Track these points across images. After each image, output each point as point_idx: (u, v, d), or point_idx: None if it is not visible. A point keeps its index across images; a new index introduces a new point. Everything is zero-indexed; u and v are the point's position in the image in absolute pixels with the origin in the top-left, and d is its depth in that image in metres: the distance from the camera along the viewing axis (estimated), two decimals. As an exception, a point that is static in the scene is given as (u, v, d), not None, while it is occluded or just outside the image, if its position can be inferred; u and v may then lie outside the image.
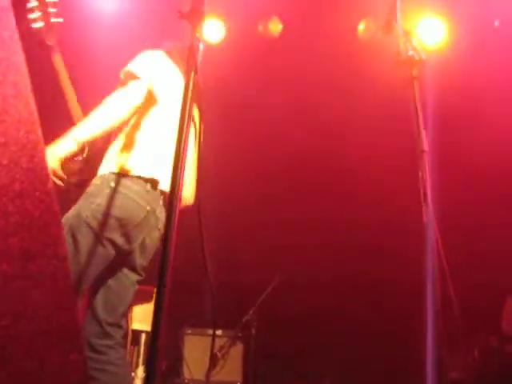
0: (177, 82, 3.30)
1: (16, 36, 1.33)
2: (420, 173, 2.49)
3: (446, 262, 2.42)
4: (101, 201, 3.04)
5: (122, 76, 3.34)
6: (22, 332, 1.42)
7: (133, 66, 3.30)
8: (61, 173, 2.94)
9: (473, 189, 4.89)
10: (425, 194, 2.41)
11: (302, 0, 5.35)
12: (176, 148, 2.11)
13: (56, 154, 2.96)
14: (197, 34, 2.39)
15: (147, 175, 3.16)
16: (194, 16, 2.42)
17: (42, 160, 1.39)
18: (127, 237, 3.11)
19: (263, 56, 5.64)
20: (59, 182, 2.94)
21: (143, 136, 3.24)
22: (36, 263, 1.44)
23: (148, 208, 3.13)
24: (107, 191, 3.06)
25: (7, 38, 1.31)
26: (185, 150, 2.12)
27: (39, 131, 1.40)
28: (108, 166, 3.18)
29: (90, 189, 3.11)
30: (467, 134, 3.85)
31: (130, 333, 4.21)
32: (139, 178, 3.14)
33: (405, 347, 4.73)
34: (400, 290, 5.09)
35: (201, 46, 2.40)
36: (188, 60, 2.31)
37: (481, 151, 4.61)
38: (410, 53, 2.71)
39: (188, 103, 2.23)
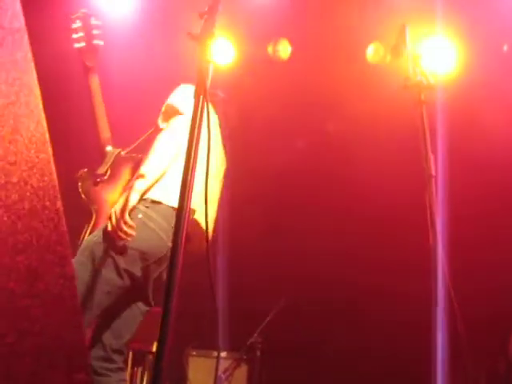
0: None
1: (29, 56, 1.35)
2: (427, 197, 2.49)
3: (452, 290, 2.42)
4: None
5: (163, 109, 3.38)
6: (27, 350, 1.42)
7: (176, 101, 3.37)
8: (131, 230, 2.98)
9: (483, 214, 4.88)
10: (432, 218, 2.40)
11: (312, 23, 5.39)
12: (184, 171, 2.12)
13: (124, 209, 2.98)
14: (207, 56, 2.40)
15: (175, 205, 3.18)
16: (205, 38, 2.44)
17: (52, 179, 1.40)
18: (146, 271, 3.11)
19: (272, 78, 5.67)
20: (125, 237, 2.96)
21: (175, 167, 3.22)
22: (43, 282, 1.44)
23: (169, 245, 3.14)
24: (134, 223, 3.04)
25: (21, 58, 1.32)
26: (193, 173, 2.13)
27: (50, 151, 1.41)
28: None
29: None
30: (477, 157, 3.86)
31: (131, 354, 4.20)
32: (168, 208, 3.13)
33: (414, 372, 4.69)
34: (409, 318, 5.06)
35: (211, 68, 2.41)
36: (197, 82, 2.33)
37: (492, 176, 4.61)
38: (419, 77, 2.72)
39: (196, 126, 2.24)
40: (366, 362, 5.42)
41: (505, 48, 5.06)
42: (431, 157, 2.62)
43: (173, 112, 3.31)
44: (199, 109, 2.27)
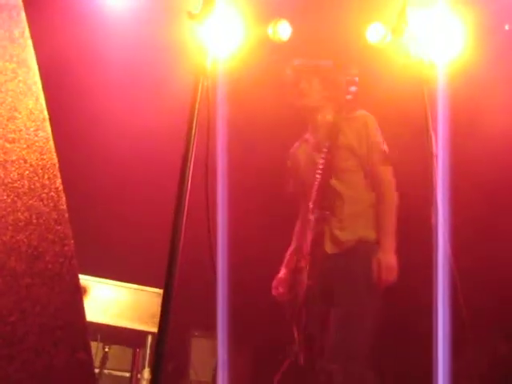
0: None
1: (27, 33, 1.34)
2: (430, 176, 2.49)
3: (455, 267, 2.42)
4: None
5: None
6: (30, 329, 1.42)
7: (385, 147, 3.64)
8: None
9: (486, 192, 4.88)
10: (434, 197, 2.40)
11: (311, 4, 5.35)
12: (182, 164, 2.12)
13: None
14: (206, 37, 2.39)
15: None
16: (204, 17, 2.42)
17: (51, 157, 1.39)
18: None
19: (272, 59, 5.64)
20: None
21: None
22: (43, 261, 1.44)
23: None
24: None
25: (18, 35, 1.31)
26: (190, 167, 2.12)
27: (49, 128, 1.40)
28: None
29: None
30: (478, 139, 3.85)
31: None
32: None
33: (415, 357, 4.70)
34: (410, 300, 5.06)
35: (210, 48, 2.40)
36: (197, 63, 2.32)
37: (495, 153, 4.60)
38: (420, 56, 2.70)
39: (196, 109, 2.22)
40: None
41: (506, 27, 5.03)
42: (433, 136, 2.61)
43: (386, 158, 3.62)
44: (198, 91, 2.26)
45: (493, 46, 4.74)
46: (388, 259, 3.36)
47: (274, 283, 3.83)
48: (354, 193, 3.56)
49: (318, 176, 3.56)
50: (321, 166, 3.55)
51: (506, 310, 4.75)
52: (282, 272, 3.83)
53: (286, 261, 3.86)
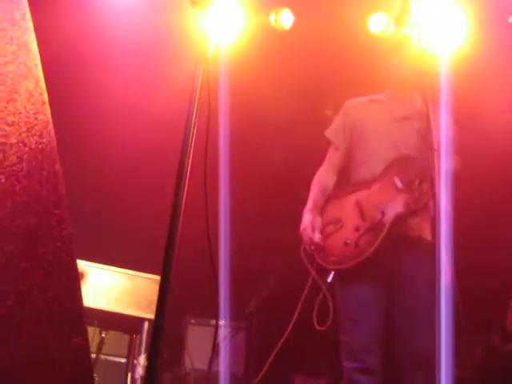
0: None
1: (28, 16, 1.33)
2: (430, 170, 2.48)
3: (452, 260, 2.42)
4: None
5: None
6: (27, 313, 1.42)
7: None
8: None
9: (487, 183, 4.87)
10: (433, 191, 2.40)
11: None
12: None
13: None
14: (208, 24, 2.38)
15: None
16: (206, 4, 2.41)
17: (51, 141, 1.39)
18: None
19: (274, 48, 5.62)
20: None
21: None
22: (41, 244, 1.43)
23: None
24: None
25: (19, 17, 1.30)
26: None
27: (48, 111, 1.39)
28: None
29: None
30: (483, 126, 3.82)
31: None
32: None
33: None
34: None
35: (213, 35, 2.38)
36: (199, 50, 2.31)
37: (498, 143, 4.59)
38: (423, 47, 2.69)
39: (196, 98, 2.21)
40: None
41: (510, 20, 5.01)
42: (433, 130, 2.61)
43: None
44: (200, 78, 2.25)
45: (496, 39, 4.72)
46: None
47: (309, 226, 3.53)
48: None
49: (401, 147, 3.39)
50: (414, 139, 3.35)
51: (500, 301, 4.76)
52: (316, 219, 3.56)
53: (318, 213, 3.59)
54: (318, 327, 3.28)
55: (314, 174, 3.77)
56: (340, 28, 5.47)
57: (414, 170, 3.29)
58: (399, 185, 3.32)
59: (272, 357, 3.67)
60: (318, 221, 3.53)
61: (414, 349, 3.19)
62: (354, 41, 5.42)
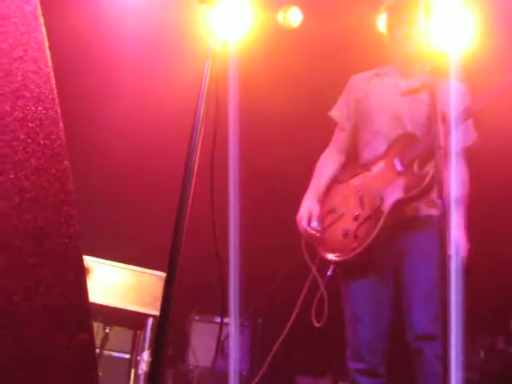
0: None
1: (38, 11, 1.33)
2: (436, 167, 2.47)
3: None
4: None
5: None
6: (34, 309, 1.42)
7: None
8: None
9: (493, 183, 4.86)
10: (440, 189, 2.39)
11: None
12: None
13: None
14: (217, 21, 2.38)
15: None
16: (214, 1, 2.41)
17: (59, 137, 1.39)
18: None
19: (282, 46, 5.62)
20: None
21: None
22: (49, 241, 1.44)
23: None
24: None
25: (29, 12, 1.30)
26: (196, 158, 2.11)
27: (58, 108, 1.39)
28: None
29: None
30: (491, 124, 3.80)
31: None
32: None
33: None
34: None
35: (221, 33, 2.38)
36: (207, 47, 2.30)
37: (505, 143, 4.58)
38: (432, 46, 2.68)
39: (205, 93, 2.21)
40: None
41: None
42: (440, 127, 2.59)
43: None
44: (207, 75, 2.24)
45: (505, 37, 4.72)
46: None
47: (304, 215, 3.36)
48: None
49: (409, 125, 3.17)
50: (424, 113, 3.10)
51: (505, 303, 4.75)
52: (313, 206, 3.37)
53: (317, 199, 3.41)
54: (316, 324, 3.15)
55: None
56: (348, 27, 5.46)
57: (416, 149, 3.08)
58: (399, 167, 3.11)
59: (270, 356, 3.55)
60: (315, 208, 3.35)
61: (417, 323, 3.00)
62: (363, 40, 5.42)
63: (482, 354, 5.10)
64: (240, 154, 3.21)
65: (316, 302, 3.22)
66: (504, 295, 4.82)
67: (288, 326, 3.43)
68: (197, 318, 5.59)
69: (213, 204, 2.38)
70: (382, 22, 5.52)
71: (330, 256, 3.22)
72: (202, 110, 2.15)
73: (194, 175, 2.11)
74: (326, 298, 3.18)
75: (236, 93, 3.16)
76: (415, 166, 3.06)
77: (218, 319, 5.40)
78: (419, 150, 3.05)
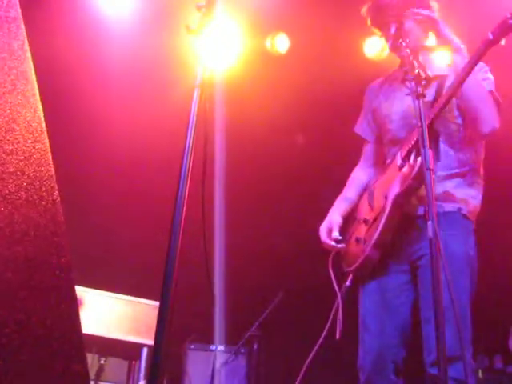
0: None
1: (26, 46, 1.34)
2: (425, 189, 2.48)
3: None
4: None
5: None
6: (25, 341, 1.42)
7: None
8: None
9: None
10: (428, 210, 2.39)
11: (309, 17, 5.38)
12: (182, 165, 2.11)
13: None
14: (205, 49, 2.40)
15: None
16: (202, 31, 2.43)
17: (49, 169, 1.40)
18: None
19: (270, 72, 5.66)
20: None
21: None
22: (40, 273, 1.44)
23: None
24: None
25: (17, 47, 1.32)
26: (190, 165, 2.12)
27: (47, 140, 1.41)
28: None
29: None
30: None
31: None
32: None
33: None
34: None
35: (209, 60, 2.41)
36: (195, 75, 2.33)
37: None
38: (416, 71, 2.71)
39: (194, 119, 2.23)
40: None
41: (502, 42, 5.06)
42: (428, 150, 2.58)
43: None
44: (196, 103, 2.26)
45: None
46: None
47: (324, 227, 3.25)
48: None
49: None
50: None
51: (502, 323, 4.75)
52: (336, 217, 3.28)
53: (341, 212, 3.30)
54: (337, 336, 2.96)
55: (319, 204, 3.66)
56: (335, 52, 5.52)
57: (411, 139, 2.96)
58: (399, 161, 3.02)
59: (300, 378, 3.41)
60: (337, 219, 3.24)
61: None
62: (350, 64, 5.48)
63: (480, 374, 5.08)
64: (228, 181, 3.23)
65: (333, 315, 3.06)
66: (501, 314, 4.82)
67: (317, 346, 3.26)
68: (192, 346, 5.56)
69: (204, 233, 2.39)
70: (368, 47, 5.61)
71: (347, 267, 3.12)
72: (192, 138, 2.16)
73: (185, 204, 2.11)
74: (340, 308, 3.04)
75: (224, 120, 3.19)
76: (411, 157, 2.95)
77: (214, 347, 5.37)
78: (415, 137, 2.89)
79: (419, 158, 2.80)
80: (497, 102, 3.04)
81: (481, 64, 3.11)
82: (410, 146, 2.95)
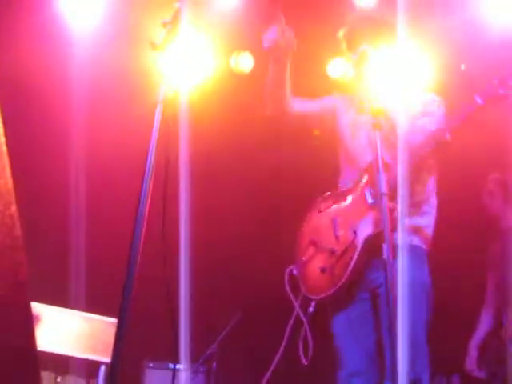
0: None
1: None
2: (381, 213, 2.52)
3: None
4: None
5: None
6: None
7: None
8: None
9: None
10: (385, 233, 2.43)
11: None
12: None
13: None
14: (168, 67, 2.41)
15: None
16: (167, 47, 2.44)
17: (6, 183, 1.37)
18: None
19: (235, 91, 5.68)
20: None
21: None
22: (-4, 288, 1.41)
23: None
24: None
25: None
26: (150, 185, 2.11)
27: (5, 154, 1.39)
28: None
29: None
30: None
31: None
32: None
33: None
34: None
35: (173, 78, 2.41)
36: (159, 93, 2.33)
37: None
38: (374, 102, 2.73)
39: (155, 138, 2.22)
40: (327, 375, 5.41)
41: (462, 67, 5.20)
42: (383, 176, 2.62)
43: None
44: (158, 120, 2.26)
45: (450, 85, 4.87)
46: None
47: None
48: None
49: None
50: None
51: (460, 343, 4.79)
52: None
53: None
54: (304, 362, 3.05)
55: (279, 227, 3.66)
56: (299, 72, 5.56)
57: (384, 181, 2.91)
58: (369, 200, 3.05)
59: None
60: None
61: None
62: (313, 84, 5.51)
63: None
64: (191, 199, 3.22)
65: (302, 338, 3.13)
66: (458, 334, 4.86)
67: (272, 366, 3.31)
68: (151, 364, 5.50)
69: (164, 250, 2.38)
70: (332, 68, 5.67)
71: (310, 295, 3.17)
72: (153, 155, 2.16)
73: (145, 222, 2.10)
74: (309, 334, 3.11)
75: (187, 138, 3.18)
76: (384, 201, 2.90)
77: (172, 365, 5.32)
78: (389, 180, 2.87)
79: (396, 206, 2.88)
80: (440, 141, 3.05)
81: (431, 97, 3.23)
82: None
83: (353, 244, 3.03)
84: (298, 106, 3.46)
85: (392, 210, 2.90)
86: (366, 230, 3.01)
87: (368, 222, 3.00)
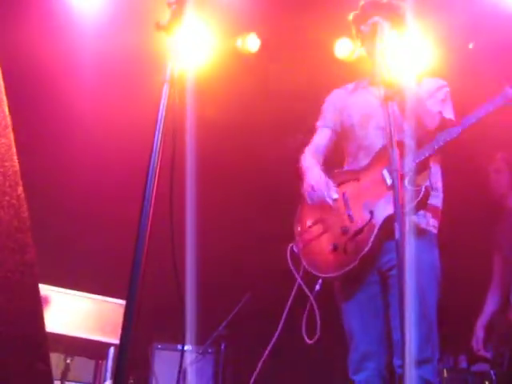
0: None
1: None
2: (394, 192, 2.49)
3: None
4: None
5: None
6: (-13, 339, 1.39)
7: None
8: None
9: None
10: (396, 212, 2.41)
11: (280, 17, 5.38)
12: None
13: None
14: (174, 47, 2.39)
15: None
16: (172, 28, 2.42)
17: (13, 165, 1.37)
18: None
19: (241, 71, 5.66)
20: None
21: None
22: (3, 269, 1.42)
23: None
24: None
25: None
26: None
27: (11, 135, 1.38)
28: None
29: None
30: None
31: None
32: None
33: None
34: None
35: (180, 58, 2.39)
36: (165, 73, 2.31)
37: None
38: (385, 74, 2.72)
39: (162, 117, 2.21)
40: (329, 356, 5.43)
41: (470, 46, 5.16)
42: (397, 152, 2.60)
43: None
44: (165, 101, 2.25)
45: (458, 64, 4.85)
46: None
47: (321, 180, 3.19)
48: None
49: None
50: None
51: (467, 322, 4.79)
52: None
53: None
54: (308, 341, 3.00)
55: (284, 201, 3.64)
56: (305, 52, 5.53)
57: (404, 162, 2.91)
58: (389, 180, 2.97)
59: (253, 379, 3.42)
60: (330, 182, 3.18)
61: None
62: (320, 65, 5.49)
63: (445, 374, 5.13)
64: (197, 179, 3.21)
65: (306, 317, 3.06)
66: (465, 314, 4.87)
67: (270, 345, 3.29)
68: (159, 346, 5.53)
69: (172, 231, 2.37)
70: (339, 48, 5.63)
71: (318, 270, 3.12)
72: (160, 136, 2.14)
73: (153, 202, 2.09)
74: (317, 312, 3.06)
75: (194, 117, 3.17)
76: (406, 181, 2.91)
77: (181, 347, 5.35)
78: (408, 160, 2.96)
79: (422, 186, 2.89)
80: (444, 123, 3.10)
81: (441, 83, 3.22)
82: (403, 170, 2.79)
83: (370, 223, 2.99)
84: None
85: (417, 192, 2.90)
86: (386, 209, 2.94)
87: (388, 202, 2.88)
